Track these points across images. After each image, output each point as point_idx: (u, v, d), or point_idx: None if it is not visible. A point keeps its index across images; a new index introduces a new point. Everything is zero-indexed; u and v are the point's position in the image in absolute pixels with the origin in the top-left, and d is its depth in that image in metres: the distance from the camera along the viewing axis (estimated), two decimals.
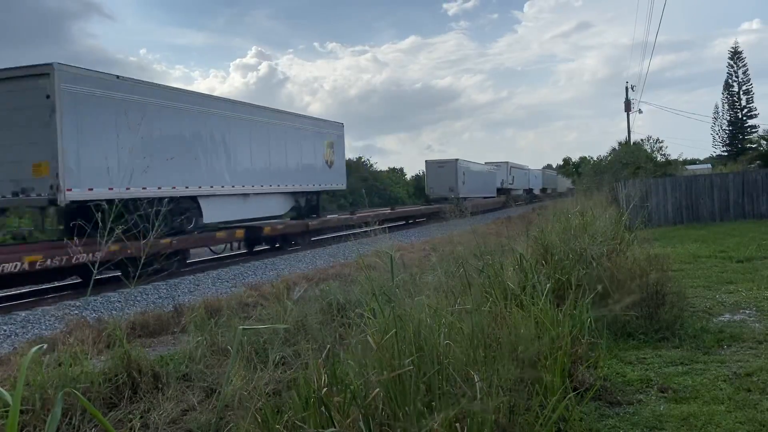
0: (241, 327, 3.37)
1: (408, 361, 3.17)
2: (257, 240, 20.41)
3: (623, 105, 45.27)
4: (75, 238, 8.97)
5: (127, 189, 13.61)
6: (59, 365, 5.01)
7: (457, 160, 42.66)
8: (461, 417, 3.13)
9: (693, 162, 70.09)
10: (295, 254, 19.80)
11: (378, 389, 3.14)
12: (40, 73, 12.43)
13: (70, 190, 12.60)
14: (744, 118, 71.38)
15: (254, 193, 19.45)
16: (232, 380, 4.46)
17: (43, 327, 10.25)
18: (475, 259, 6.02)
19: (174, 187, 15.49)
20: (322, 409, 3.15)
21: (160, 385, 5.16)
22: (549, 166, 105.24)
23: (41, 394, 4.50)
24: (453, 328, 3.82)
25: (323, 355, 3.58)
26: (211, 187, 17.14)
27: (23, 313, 10.97)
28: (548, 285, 5.43)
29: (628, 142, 43.18)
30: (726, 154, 69.78)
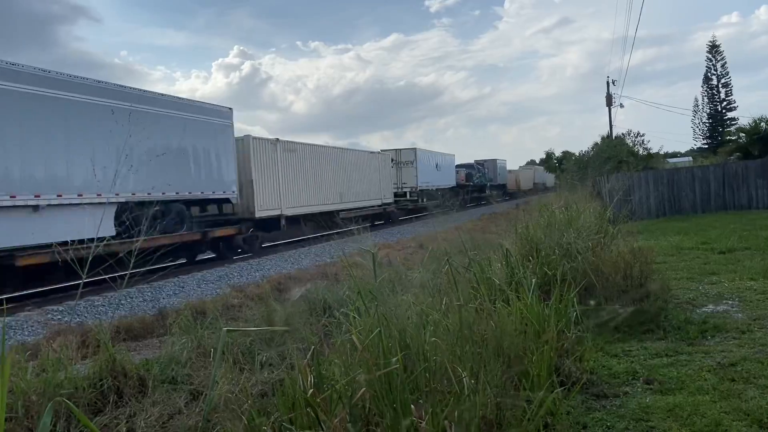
0: (225, 329, 3.35)
1: (394, 360, 3.15)
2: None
3: (605, 99, 45.53)
4: None
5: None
6: (43, 371, 4.94)
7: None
8: (449, 414, 3.13)
9: (674, 155, 70.85)
10: (280, 254, 19.72)
11: (364, 389, 3.13)
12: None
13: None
14: (723, 110, 72.19)
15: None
16: (218, 383, 4.42)
17: (26, 333, 10.11)
18: (462, 255, 6.02)
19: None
20: (309, 409, 3.13)
21: (145, 389, 5.11)
22: (532, 162, 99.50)
23: (24, 401, 4.43)
24: (439, 326, 3.81)
25: (308, 356, 3.56)
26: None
27: (5, 319, 10.82)
28: (534, 280, 5.44)
29: (610, 136, 43.47)
30: (706, 146, 70.52)
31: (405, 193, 37.10)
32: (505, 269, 6.14)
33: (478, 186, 51.18)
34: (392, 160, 35.92)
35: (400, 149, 37.11)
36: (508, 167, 66.31)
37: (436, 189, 39.71)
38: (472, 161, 54.50)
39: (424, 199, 37.05)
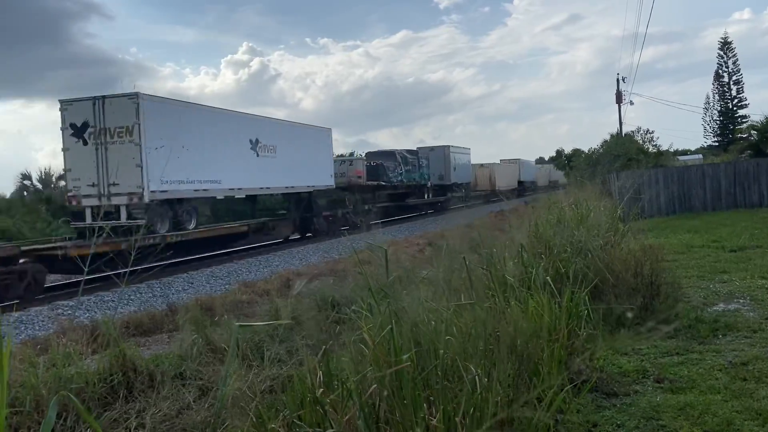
0: (237, 324, 3.34)
1: (405, 357, 3.14)
2: None
3: (615, 97, 45.24)
4: None
5: None
6: (53, 366, 4.96)
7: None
8: (461, 411, 3.11)
9: (684, 152, 70.20)
10: (288, 250, 19.77)
11: (375, 385, 3.11)
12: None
13: None
14: (734, 108, 71.54)
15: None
16: (228, 380, 4.42)
17: (37, 328, 10.19)
18: (472, 252, 5.98)
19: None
20: (318, 407, 3.12)
21: (155, 384, 5.13)
22: (541, 159, 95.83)
23: (34, 396, 4.45)
24: (451, 323, 3.79)
25: (319, 354, 3.54)
26: None
27: (16, 314, 10.90)
28: (547, 278, 5.40)
29: (619, 133, 43.22)
30: (717, 144, 69.97)
31: (117, 209, 15.68)
32: (520, 267, 6.10)
33: (402, 187, 32.14)
34: (75, 127, 15.61)
35: (95, 99, 15.78)
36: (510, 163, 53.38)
37: (247, 196, 21.18)
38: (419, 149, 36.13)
39: (192, 222, 18.01)
